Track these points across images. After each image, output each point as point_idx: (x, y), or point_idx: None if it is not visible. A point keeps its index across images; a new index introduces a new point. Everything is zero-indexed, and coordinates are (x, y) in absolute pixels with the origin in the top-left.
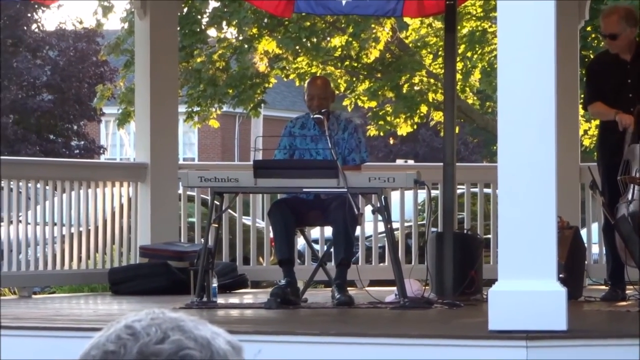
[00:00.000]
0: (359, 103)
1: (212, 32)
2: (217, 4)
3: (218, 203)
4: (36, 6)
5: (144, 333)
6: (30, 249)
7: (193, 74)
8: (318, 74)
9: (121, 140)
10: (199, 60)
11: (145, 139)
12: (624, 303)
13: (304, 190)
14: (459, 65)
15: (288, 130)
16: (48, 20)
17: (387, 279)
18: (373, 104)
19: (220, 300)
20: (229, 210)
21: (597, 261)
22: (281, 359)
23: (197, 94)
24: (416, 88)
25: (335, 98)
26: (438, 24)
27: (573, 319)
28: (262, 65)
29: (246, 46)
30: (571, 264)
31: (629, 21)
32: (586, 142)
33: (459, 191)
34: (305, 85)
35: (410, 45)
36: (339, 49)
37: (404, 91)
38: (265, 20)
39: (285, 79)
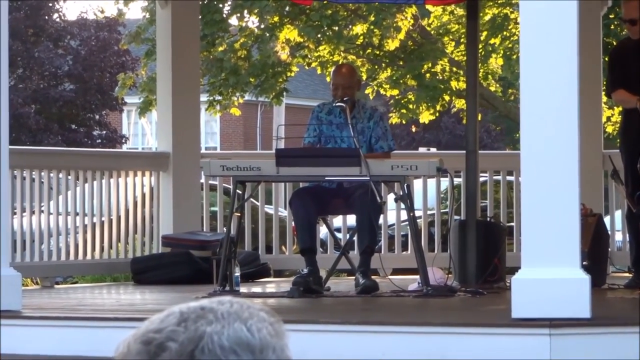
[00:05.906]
0: (381, 91)
1: (233, 21)
2: None
3: (240, 192)
4: None
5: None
6: (53, 239)
7: (215, 63)
8: (340, 63)
9: (143, 130)
10: (220, 49)
11: (167, 128)
12: None
13: (327, 178)
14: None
15: (315, 115)
16: (69, 9)
17: (409, 267)
18: (395, 92)
19: (243, 289)
20: (251, 199)
21: (621, 248)
22: (304, 347)
23: (218, 82)
24: (438, 77)
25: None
26: (460, 11)
27: (596, 306)
28: (283, 54)
29: (268, 35)
30: (594, 252)
31: None
32: (609, 129)
33: (481, 179)
34: (331, 73)
35: (432, 32)
36: (361, 37)
37: (426, 79)
38: (287, 8)
39: (307, 67)
